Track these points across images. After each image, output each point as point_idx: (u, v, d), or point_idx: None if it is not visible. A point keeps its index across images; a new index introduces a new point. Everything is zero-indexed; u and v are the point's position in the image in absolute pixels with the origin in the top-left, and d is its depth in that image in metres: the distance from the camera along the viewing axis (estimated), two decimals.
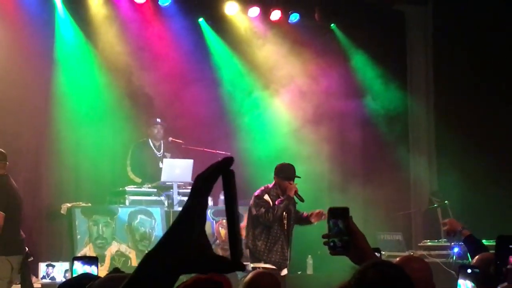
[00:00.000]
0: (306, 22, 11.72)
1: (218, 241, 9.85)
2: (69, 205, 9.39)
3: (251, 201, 8.05)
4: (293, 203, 8.01)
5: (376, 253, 3.36)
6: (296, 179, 7.93)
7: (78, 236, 9.14)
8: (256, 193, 8.01)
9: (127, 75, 10.41)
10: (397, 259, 3.63)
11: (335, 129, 11.57)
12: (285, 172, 7.92)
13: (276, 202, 7.86)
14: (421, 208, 11.61)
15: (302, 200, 7.94)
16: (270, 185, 8.01)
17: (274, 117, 11.37)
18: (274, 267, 7.81)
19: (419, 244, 9.71)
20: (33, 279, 8.34)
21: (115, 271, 3.78)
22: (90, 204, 9.51)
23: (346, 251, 2.83)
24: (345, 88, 11.77)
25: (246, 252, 8.01)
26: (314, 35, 11.63)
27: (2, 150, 7.99)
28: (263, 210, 7.85)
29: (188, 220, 1.41)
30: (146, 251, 9.15)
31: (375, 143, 11.83)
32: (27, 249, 7.93)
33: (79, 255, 8.99)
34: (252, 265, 7.94)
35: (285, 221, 7.97)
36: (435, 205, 10.85)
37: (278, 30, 11.55)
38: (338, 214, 2.85)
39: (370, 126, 11.89)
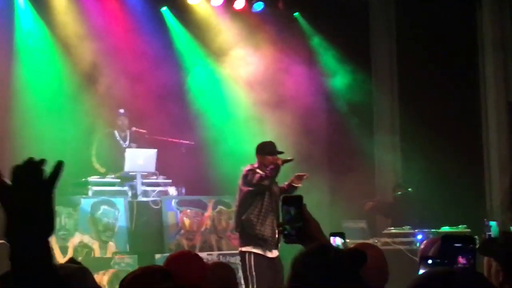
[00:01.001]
0: (270, 11, 11.68)
1: (182, 230, 9.80)
2: None
3: (240, 181, 8.02)
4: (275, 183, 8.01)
5: (340, 238, 3.35)
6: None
7: None
8: (245, 171, 7.97)
9: (90, 65, 10.30)
10: (352, 246, 3.62)
11: (299, 117, 11.55)
12: (268, 148, 7.98)
13: (267, 170, 7.85)
14: (386, 195, 11.65)
15: (291, 160, 8.07)
16: (255, 164, 8.01)
17: (235, 104, 11.33)
18: (260, 252, 7.77)
19: (383, 232, 9.73)
20: None
21: (70, 262, 3.72)
22: None
23: (299, 239, 2.82)
24: (308, 77, 11.76)
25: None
26: (277, 24, 11.60)
27: None
28: (257, 175, 7.82)
29: None
30: (109, 242, 9.14)
31: (339, 132, 11.85)
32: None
33: None
34: (242, 248, 7.94)
35: (273, 198, 7.94)
36: (399, 193, 10.91)
37: (242, 18, 11.49)
38: (290, 201, 2.86)
39: (334, 115, 11.91)
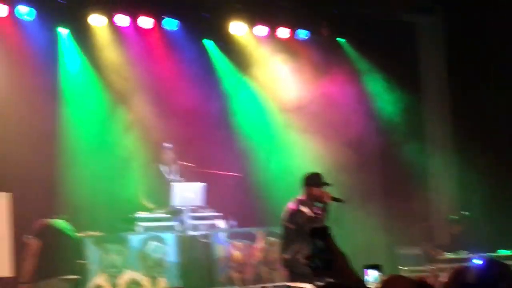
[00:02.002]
0: (315, 38, 11.60)
1: (232, 263, 9.68)
2: (80, 235, 9.28)
3: (285, 216, 7.81)
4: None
5: (374, 271, 3.22)
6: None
7: (91, 266, 9.02)
8: (290, 207, 7.80)
9: (135, 101, 10.35)
10: (383, 277, 3.48)
11: (351, 143, 11.38)
12: (314, 179, 7.77)
13: (317, 212, 7.71)
14: (441, 219, 11.35)
15: (341, 200, 7.81)
16: (301, 197, 7.80)
17: (282, 133, 11.23)
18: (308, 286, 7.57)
19: (438, 257, 9.46)
20: None
21: None
22: (101, 233, 9.39)
23: (328, 271, 2.74)
24: (357, 102, 11.61)
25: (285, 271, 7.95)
26: (323, 51, 11.50)
27: None
28: (303, 222, 7.57)
29: None
30: (160, 278, 9.09)
31: (392, 157, 11.62)
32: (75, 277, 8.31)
33: (92, 285, 8.90)
34: (290, 284, 7.79)
35: None
36: (455, 217, 10.60)
37: (286, 47, 11.43)
38: (317, 234, 2.80)
39: (385, 140, 11.69)
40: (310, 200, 7.78)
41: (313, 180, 7.79)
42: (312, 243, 2.83)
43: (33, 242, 8.15)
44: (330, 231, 2.88)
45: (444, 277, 3.56)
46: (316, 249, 2.81)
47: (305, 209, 7.71)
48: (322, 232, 2.84)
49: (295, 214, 7.70)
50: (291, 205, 7.81)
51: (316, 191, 7.74)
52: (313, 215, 7.69)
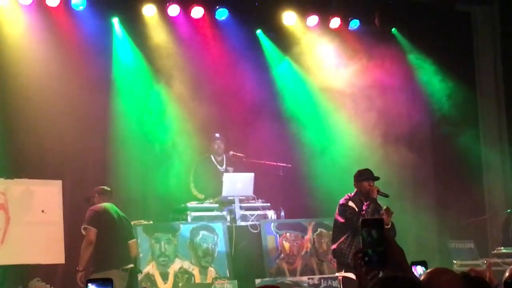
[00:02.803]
0: (367, 28, 11.45)
1: (282, 254, 9.64)
2: (132, 223, 9.34)
3: (336, 211, 8.06)
4: (378, 208, 7.92)
5: (421, 267, 3.15)
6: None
7: (141, 254, 9.07)
8: (340, 202, 8.04)
9: (187, 91, 10.35)
10: (428, 270, 3.40)
11: (404, 135, 11.24)
12: (363, 175, 7.96)
13: (363, 207, 7.86)
14: (496, 213, 11.12)
15: (386, 195, 7.97)
16: (352, 194, 8.03)
17: (332, 123, 11.12)
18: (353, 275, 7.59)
19: (493, 252, 9.27)
20: None
21: None
22: (151, 222, 9.44)
23: (382, 265, 2.66)
24: (409, 93, 11.45)
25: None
26: (375, 41, 11.36)
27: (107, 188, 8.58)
28: (350, 216, 7.84)
29: None
30: (209, 267, 9.10)
31: (445, 149, 11.44)
32: (131, 265, 8.28)
33: (142, 273, 8.95)
34: (337, 274, 8.01)
35: None
36: (509, 210, 10.37)
37: (338, 37, 11.31)
38: (371, 224, 2.69)
39: (439, 131, 11.51)
40: (359, 196, 7.98)
41: (362, 176, 7.99)
42: (367, 233, 2.72)
43: (89, 230, 8.15)
44: (383, 223, 2.79)
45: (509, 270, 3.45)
46: (370, 240, 2.71)
47: (352, 204, 7.93)
48: (377, 223, 2.75)
49: (344, 208, 7.93)
50: (342, 200, 8.04)
51: (365, 186, 7.92)
52: (357, 209, 7.88)
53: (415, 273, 3.09)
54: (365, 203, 7.87)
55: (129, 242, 8.40)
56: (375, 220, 2.74)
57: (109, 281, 2.96)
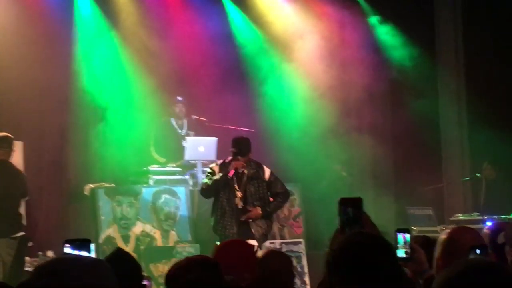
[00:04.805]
0: None
1: None
2: (92, 186, 9.29)
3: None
4: (253, 178, 7.99)
5: (404, 234, 3.20)
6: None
7: (102, 217, 9.04)
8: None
9: (148, 53, 10.25)
10: (448, 229, 3.50)
11: (362, 99, 11.30)
12: (236, 146, 8.03)
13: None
14: (452, 180, 11.30)
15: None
16: (228, 158, 8.11)
17: (295, 89, 11.14)
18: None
19: (450, 218, 9.45)
20: None
21: (117, 251, 3.63)
22: (113, 185, 9.39)
23: None
24: (369, 58, 11.48)
25: None
26: (339, 5, 11.35)
27: (8, 135, 8.06)
28: (205, 180, 8.14)
29: None
30: (171, 231, 9.10)
31: (403, 115, 11.52)
32: (22, 233, 7.93)
33: (103, 236, 8.93)
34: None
35: (232, 195, 7.94)
36: (467, 178, 10.56)
37: (303, 3, 11.30)
38: (349, 203, 2.72)
39: (398, 98, 11.59)
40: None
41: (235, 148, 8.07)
42: (343, 211, 2.75)
43: None
44: (362, 202, 2.81)
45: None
46: (345, 217, 2.74)
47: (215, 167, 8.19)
48: (354, 202, 2.77)
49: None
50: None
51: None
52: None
53: (401, 238, 3.13)
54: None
55: (20, 205, 8.09)
56: (353, 199, 2.76)
57: (86, 242, 2.88)
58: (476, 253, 2.91)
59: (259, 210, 7.97)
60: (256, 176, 8.06)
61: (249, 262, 3.83)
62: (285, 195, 8.31)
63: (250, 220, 7.95)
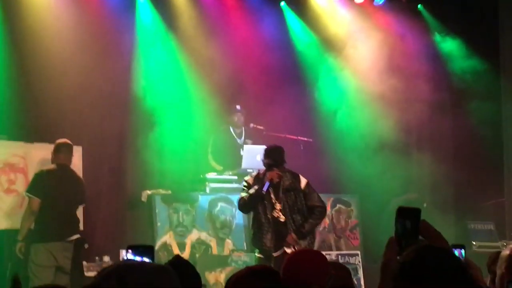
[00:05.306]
0: (392, 3, 11.31)
1: None
2: (149, 192, 9.32)
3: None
4: (290, 189, 7.68)
5: (460, 250, 3.11)
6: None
7: (158, 224, 9.06)
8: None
9: (206, 60, 10.26)
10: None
11: (424, 113, 11.13)
12: (270, 157, 7.81)
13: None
14: None
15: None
16: (262, 170, 7.88)
17: (355, 99, 11.01)
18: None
19: None
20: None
21: (176, 259, 3.58)
22: (170, 192, 9.41)
23: None
24: (430, 69, 11.31)
25: None
26: (400, 17, 11.22)
27: (68, 141, 8.15)
28: (242, 194, 7.87)
29: None
30: (227, 239, 9.07)
31: (465, 127, 11.31)
32: (77, 236, 7.97)
33: (159, 243, 8.94)
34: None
35: (268, 207, 7.67)
36: None
37: (362, 12, 11.19)
38: (407, 215, 2.62)
39: (459, 109, 11.38)
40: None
41: (268, 158, 7.90)
42: (401, 224, 2.65)
43: (32, 200, 7.82)
44: (420, 213, 2.71)
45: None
46: (402, 230, 2.64)
47: (250, 180, 7.98)
48: (413, 213, 2.66)
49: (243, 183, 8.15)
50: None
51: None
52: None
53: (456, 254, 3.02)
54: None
55: (77, 210, 8.13)
56: (411, 211, 2.66)
57: (149, 248, 2.85)
58: None
59: (293, 236, 7.59)
60: (293, 187, 7.73)
61: (321, 273, 3.74)
62: (322, 210, 7.89)
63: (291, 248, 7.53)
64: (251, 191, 7.69)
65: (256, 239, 7.77)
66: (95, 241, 9.26)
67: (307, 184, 7.78)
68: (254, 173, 7.95)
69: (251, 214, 8.04)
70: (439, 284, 2.21)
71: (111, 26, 9.80)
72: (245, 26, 10.70)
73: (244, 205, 7.81)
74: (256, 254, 7.88)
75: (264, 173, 7.74)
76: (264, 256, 7.66)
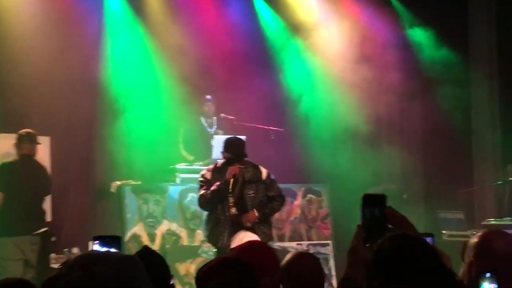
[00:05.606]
0: None
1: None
2: (119, 183, 9.24)
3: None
4: (251, 181, 7.33)
5: (429, 238, 3.08)
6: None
7: (128, 215, 8.98)
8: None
9: (177, 50, 10.17)
10: (480, 232, 3.34)
11: (394, 103, 11.14)
12: (231, 151, 7.39)
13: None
14: (485, 184, 11.09)
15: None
16: (220, 161, 7.47)
17: (325, 86, 10.99)
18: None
19: (482, 223, 9.25)
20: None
21: (144, 249, 3.53)
22: (140, 182, 9.33)
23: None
24: (403, 60, 11.33)
25: None
26: (370, 6, 11.21)
27: (30, 131, 7.96)
28: (201, 191, 7.39)
29: None
30: (197, 230, 9.01)
31: (434, 117, 11.34)
32: (45, 229, 7.87)
33: (129, 234, 8.86)
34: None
35: (225, 202, 7.24)
36: (499, 182, 10.34)
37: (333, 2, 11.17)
38: (374, 202, 2.57)
39: (429, 98, 11.41)
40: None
41: (228, 150, 7.59)
42: (369, 212, 2.60)
43: None
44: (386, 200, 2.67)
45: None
46: (371, 218, 2.60)
47: (208, 176, 7.51)
48: (379, 200, 2.62)
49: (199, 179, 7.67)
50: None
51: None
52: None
53: None
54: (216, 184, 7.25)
55: (43, 201, 7.99)
56: (378, 198, 2.62)
57: (116, 238, 2.79)
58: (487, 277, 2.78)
59: (255, 213, 7.23)
60: (255, 178, 7.37)
61: (270, 265, 3.69)
62: (282, 200, 7.58)
63: (249, 225, 7.23)
64: (213, 188, 7.24)
65: (213, 236, 7.32)
66: (64, 233, 9.17)
67: (268, 174, 7.51)
68: (211, 166, 7.54)
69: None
70: (416, 272, 2.18)
71: (78, 12, 9.68)
72: (214, 12, 10.63)
73: (206, 203, 7.35)
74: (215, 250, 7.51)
75: (223, 166, 7.35)
76: (221, 254, 7.49)
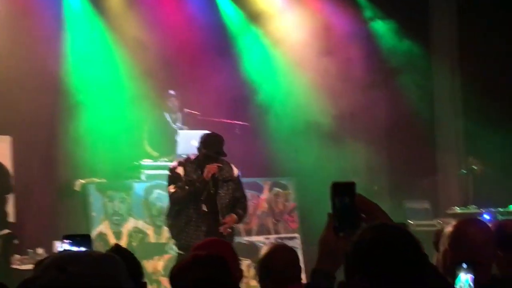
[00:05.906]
0: None
1: None
2: (83, 181, 9.11)
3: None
4: (226, 180, 7.11)
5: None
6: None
7: (93, 213, 8.86)
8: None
9: (138, 44, 10.06)
10: (456, 221, 3.32)
11: (356, 94, 11.16)
12: (211, 149, 7.00)
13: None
14: (448, 173, 11.18)
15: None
16: (192, 156, 7.16)
17: (288, 79, 10.97)
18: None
19: (447, 212, 9.32)
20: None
21: (116, 248, 3.46)
22: (104, 180, 9.21)
23: (356, 230, 2.48)
24: (365, 52, 11.36)
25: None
26: None
27: None
28: (170, 188, 7.08)
29: None
30: (164, 227, 8.93)
31: (397, 107, 11.40)
32: (7, 231, 7.72)
33: (95, 232, 8.75)
34: None
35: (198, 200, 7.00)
36: (464, 171, 10.42)
37: None
38: (344, 190, 2.49)
39: (392, 89, 11.47)
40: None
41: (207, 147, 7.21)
42: (339, 201, 2.53)
43: None
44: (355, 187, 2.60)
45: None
46: (342, 207, 2.53)
47: (180, 171, 7.22)
48: (349, 188, 2.56)
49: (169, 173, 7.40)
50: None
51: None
52: None
53: None
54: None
55: (5, 202, 7.85)
56: (347, 185, 2.55)
57: (86, 237, 2.72)
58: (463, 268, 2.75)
59: (234, 217, 7.04)
60: (229, 178, 7.14)
61: (231, 261, 3.64)
62: (246, 199, 7.38)
63: (229, 231, 7.06)
64: (190, 189, 6.95)
65: (182, 235, 7.01)
66: (27, 233, 9.02)
67: (238, 174, 7.31)
68: (181, 160, 7.23)
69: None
70: (400, 264, 2.14)
71: (36, 7, 9.51)
72: (174, 5, 10.53)
73: (179, 202, 7.04)
74: (177, 251, 7.20)
75: (197, 162, 7.08)
76: (186, 253, 7.21)
